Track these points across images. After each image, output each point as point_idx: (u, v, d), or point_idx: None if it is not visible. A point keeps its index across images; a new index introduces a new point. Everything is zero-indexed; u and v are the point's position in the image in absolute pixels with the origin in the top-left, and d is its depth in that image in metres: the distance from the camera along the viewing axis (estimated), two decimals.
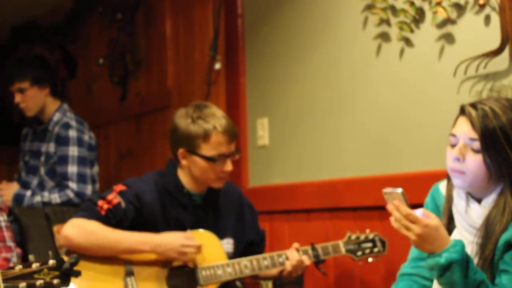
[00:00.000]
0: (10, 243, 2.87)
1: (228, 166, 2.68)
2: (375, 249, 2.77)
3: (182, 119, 2.68)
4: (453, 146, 2.01)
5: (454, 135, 2.01)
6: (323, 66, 3.22)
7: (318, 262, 2.73)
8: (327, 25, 3.20)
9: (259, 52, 3.59)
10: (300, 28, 3.34)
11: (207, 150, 2.64)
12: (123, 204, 2.62)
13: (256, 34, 3.61)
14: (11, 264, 2.75)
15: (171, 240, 2.58)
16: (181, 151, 2.68)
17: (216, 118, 2.66)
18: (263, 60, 3.57)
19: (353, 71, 3.07)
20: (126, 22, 4.56)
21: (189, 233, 2.62)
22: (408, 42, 2.83)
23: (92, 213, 2.60)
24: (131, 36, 4.52)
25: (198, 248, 2.60)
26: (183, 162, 2.69)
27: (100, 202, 2.62)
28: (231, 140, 2.68)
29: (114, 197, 2.62)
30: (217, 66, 3.78)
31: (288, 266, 2.67)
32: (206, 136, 2.63)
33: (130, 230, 2.61)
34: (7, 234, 2.88)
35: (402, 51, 2.86)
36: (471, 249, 1.97)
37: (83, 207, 2.67)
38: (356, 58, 3.06)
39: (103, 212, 2.60)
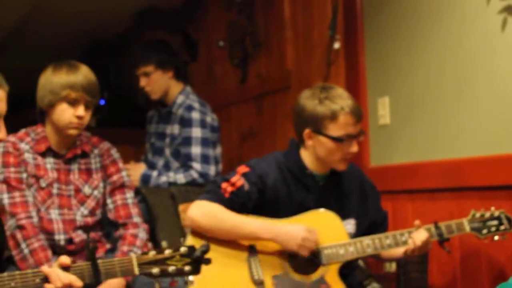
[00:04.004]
0: (137, 219, 2.98)
1: (354, 147, 2.68)
2: (501, 227, 2.69)
3: (309, 100, 2.68)
4: None
5: None
6: (445, 42, 3.14)
7: (442, 240, 2.69)
8: (449, 0, 3.11)
9: (379, 29, 3.54)
10: (421, 4, 3.27)
11: (334, 130, 2.64)
12: (246, 186, 2.66)
13: (375, 11, 3.56)
14: (138, 240, 2.88)
15: (292, 231, 2.59)
16: (307, 131, 2.69)
17: (343, 99, 2.65)
18: (383, 38, 3.51)
19: (477, 46, 2.98)
20: (245, 4, 4.59)
21: (312, 227, 2.62)
22: None
23: (216, 196, 2.65)
24: (250, 19, 4.56)
25: (317, 244, 2.60)
26: (309, 142, 2.70)
27: (224, 185, 2.66)
28: (358, 121, 2.67)
29: (237, 180, 2.66)
30: (336, 45, 3.75)
31: (411, 244, 2.64)
32: (333, 116, 2.63)
33: (253, 212, 2.66)
34: (133, 211, 2.99)
35: None
36: None
37: (207, 189, 2.72)
38: (480, 33, 2.96)
39: (227, 195, 2.64)
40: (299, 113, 2.72)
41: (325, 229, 2.66)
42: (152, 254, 2.06)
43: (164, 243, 2.09)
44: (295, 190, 2.72)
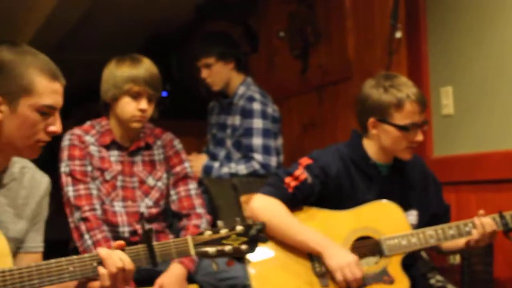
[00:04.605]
0: (200, 210, 3.01)
1: (420, 136, 2.65)
2: None
3: (374, 89, 2.66)
4: None
5: None
6: None
7: (507, 230, 2.64)
8: None
9: (442, 17, 3.48)
10: None
11: (400, 119, 2.62)
12: (309, 180, 2.65)
13: None
14: (201, 230, 2.90)
15: (341, 253, 2.56)
16: (371, 120, 2.68)
17: (408, 87, 2.64)
18: (446, 25, 3.45)
19: None
20: None
21: (361, 265, 2.58)
22: None
23: (279, 191, 2.64)
24: (311, 8, 4.53)
25: (358, 282, 2.55)
26: (373, 131, 2.69)
27: (287, 179, 2.66)
28: (423, 110, 2.65)
29: (301, 173, 2.65)
30: (398, 34, 3.70)
31: (475, 234, 2.60)
32: (399, 104, 2.61)
33: (316, 204, 2.66)
34: (196, 202, 3.02)
35: None
36: None
37: (270, 182, 2.71)
38: None
39: (290, 190, 2.64)
40: (363, 102, 2.70)
41: (388, 220, 2.65)
42: (208, 234, 2.02)
43: (219, 223, 2.06)
44: (358, 181, 2.70)
